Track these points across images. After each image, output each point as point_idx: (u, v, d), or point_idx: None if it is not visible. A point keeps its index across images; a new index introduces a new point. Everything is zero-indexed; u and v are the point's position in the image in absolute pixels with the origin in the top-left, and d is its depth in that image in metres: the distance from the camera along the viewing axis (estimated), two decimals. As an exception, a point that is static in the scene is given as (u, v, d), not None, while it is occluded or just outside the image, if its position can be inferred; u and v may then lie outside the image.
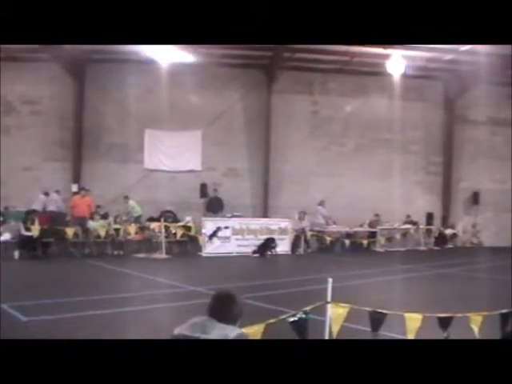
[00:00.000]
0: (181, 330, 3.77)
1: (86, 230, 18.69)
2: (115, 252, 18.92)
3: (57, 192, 21.35)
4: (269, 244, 20.03)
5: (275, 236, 20.55)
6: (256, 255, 19.58)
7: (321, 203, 22.63)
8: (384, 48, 21.10)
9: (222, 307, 3.86)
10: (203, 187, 23.29)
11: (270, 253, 19.86)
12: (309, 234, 21.66)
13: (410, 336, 5.94)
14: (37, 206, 20.45)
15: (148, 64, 22.06)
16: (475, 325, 6.19)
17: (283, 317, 5.82)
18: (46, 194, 20.97)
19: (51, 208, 20.70)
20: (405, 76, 23.07)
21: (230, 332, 3.71)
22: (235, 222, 20.57)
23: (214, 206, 22.49)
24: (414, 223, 24.20)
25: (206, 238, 19.72)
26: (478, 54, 20.52)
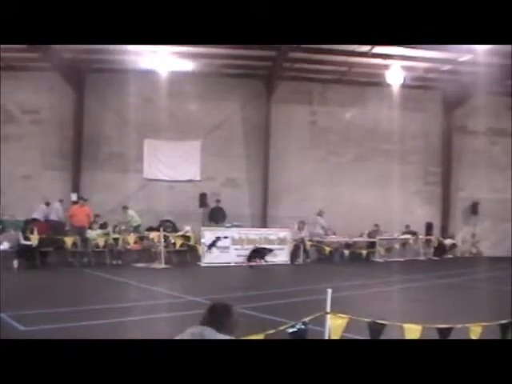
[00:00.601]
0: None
1: (84, 240, 18.64)
2: (114, 262, 18.87)
3: (60, 201, 21.32)
4: (257, 253, 20.05)
5: (274, 246, 20.56)
6: (252, 263, 19.62)
7: (320, 213, 22.63)
8: (383, 59, 21.19)
9: (219, 319, 3.89)
10: (203, 197, 23.31)
11: (260, 262, 19.90)
12: (308, 244, 21.62)
13: (410, 347, 5.92)
14: (38, 216, 20.41)
15: (147, 74, 22.12)
16: (475, 335, 6.18)
17: (282, 327, 5.80)
18: (48, 204, 20.91)
19: (52, 217, 20.65)
20: (404, 86, 23.13)
21: None
22: (234, 232, 20.53)
23: (216, 216, 22.49)
24: (414, 233, 24.18)
25: (205, 248, 19.68)
26: (476, 65, 20.59)
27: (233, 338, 3.85)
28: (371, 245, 23.36)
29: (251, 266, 19.45)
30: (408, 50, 20.28)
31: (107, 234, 19.37)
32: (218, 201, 23.01)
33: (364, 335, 6.19)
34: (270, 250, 20.35)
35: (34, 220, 19.80)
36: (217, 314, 3.93)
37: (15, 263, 17.04)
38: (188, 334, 3.81)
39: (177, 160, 24.24)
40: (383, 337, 5.97)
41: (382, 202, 24.42)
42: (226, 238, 20.16)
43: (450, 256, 24.88)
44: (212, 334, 3.74)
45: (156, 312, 10.73)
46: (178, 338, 3.81)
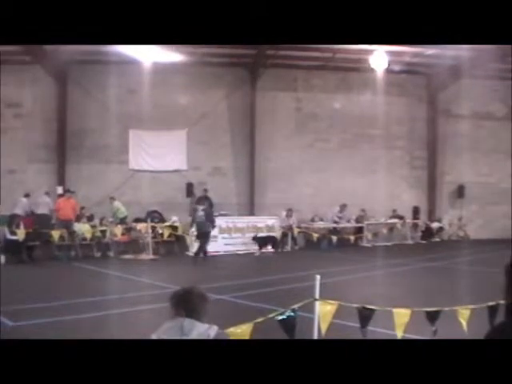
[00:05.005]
0: (158, 335, 3.71)
1: (71, 233, 18.52)
2: (101, 254, 18.80)
3: (47, 194, 20.98)
4: (269, 241, 20.45)
5: (263, 234, 20.62)
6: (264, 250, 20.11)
7: (341, 207, 23.15)
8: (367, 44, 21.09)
9: (196, 307, 3.82)
10: (189, 186, 23.21)
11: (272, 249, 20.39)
12: (296, 230, 21.66)
13: (399, 331, 5.94)
14: (18, 210, 19.89)
15: (131, 64, 21.92)
16: (463, 318, 6.20)
17: (271, 315, 5.79)
18: (27, 195, 20.37)
19: (41, 211, 20.25)
20: (388, 71, 23.11)
21: (210, 330, 3.69)
22: (222, 221, 20.51)
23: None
24: (401, 218, 24.29)
25: (193, 238, 19.65)
26: (460, 49, 20.57)
27: (213, 325, 3.78)
28: (359, 230, 23.48)
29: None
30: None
31: (94, 227, 19.27)
32: (205, 190, 22.86)
33: (354, 321, 6.20)
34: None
35: (17, 215, 19.44)
36: (193, 303, 3.85)
37: (2, 258, 16.94)
38: (166, 328, 3.75)
39: (163, 150, 24.10)
40: (373, 322, 5.98)
41: (369, 188, 24.47)
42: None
43: (437, 239, 25.07)
44: (191, 325, 3.69)
45: (145, 303, 10.69)
46: (156, 333, 3.74)
